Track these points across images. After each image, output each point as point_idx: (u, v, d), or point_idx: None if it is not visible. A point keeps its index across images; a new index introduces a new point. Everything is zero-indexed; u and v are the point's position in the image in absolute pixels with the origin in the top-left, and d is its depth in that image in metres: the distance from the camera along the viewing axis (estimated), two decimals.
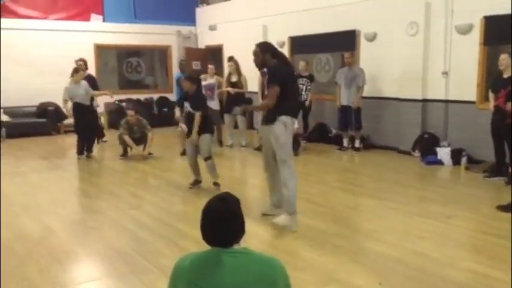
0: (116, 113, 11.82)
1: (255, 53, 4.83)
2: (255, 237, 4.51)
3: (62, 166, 8.46)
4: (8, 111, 11.31)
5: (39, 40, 11.94)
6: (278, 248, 4.33)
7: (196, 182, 6.55)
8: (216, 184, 6.42)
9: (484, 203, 5.70)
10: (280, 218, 4.86)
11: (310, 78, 9.41)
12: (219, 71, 12.33)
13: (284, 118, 4.69)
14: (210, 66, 9.75)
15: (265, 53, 4.79)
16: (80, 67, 9.18)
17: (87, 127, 8.56)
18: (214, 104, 9.47)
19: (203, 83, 9.48)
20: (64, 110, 8.47)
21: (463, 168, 7.40)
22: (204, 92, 9.47)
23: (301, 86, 9.22)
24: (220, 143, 9.69)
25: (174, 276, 2.00)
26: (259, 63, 4.84)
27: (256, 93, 9.75)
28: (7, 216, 5.29)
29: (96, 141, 8.84)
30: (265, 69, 4.92)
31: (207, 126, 6.55)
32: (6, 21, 11.55)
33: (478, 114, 7.63)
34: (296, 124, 8.66)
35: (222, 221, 1.93)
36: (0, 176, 7.03)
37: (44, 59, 11.86)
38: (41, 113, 11.60)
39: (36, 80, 11.69)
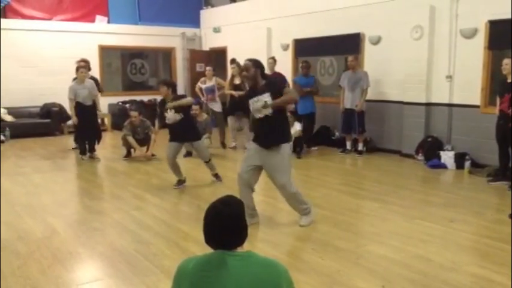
0: (120, 115, 11.84)
1: (248, 67, 4.71)
2: (258, 240, 4.51)
3: (65, 167, 8.48)
4: (12, 111, 11.35)
5: (43, 41, 11.99)
6: (281, 251, 4.33)
7: (180, 182, 6.61)
8: (216, 176, 6.83)
9: (487, 207, 5.68)
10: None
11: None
12: (222, 73, 12.37)
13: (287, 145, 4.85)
14: (208, 68, 9.72)
15: (257, 68, 4.74)
16: (80, 65, 9.20)
17: (87, 127, 8.57)
18: (217, 107, 9.47)
19: (203, 86, 9.49)
20: (69, 110, 8.50)
21: (467, 172, 7.38)
22: (205, 95, 9.51)
23: None
24: (223, 145, 9.69)
25: (177, 278, 1.99)
26: (252, 77, 4.75)
27: None
28: (10, 216, 5.31)
29: (97, 142, 8.84)
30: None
31: (197, 132, 6.72)
32: (12, 22, 11.61)
33: (482, 119, 7.62)
34: (299, 126, 8.76)
35: (226, 224, 1.93)
36: (0, 177, 7.07)
37: (49, 60, 11.91)
38: (45, 114, 11.63)
39: (40, 81, 11.74)
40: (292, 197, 4.89)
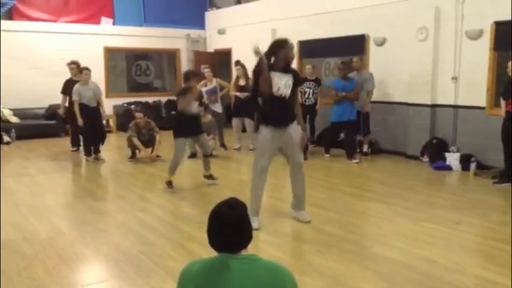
0: (125, 116, 11.87)
1: (292, 47, 4.93)
2: (262, 241, 4.50)
3: (70, 168, 8.51)
4: (18, 112, 11.40)
5: (49, 42, 12.03)
6: (285, 253, 4.33)
7: (172, 183, 6.60)
8: (210, 177, 6.76)
9: (492, 209, 5.67)
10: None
11: (317, 81, 9.39)
12: (227, 75, 12.38)
13: None
14: (206, 70, 9.70)
15: None
16: (72, 71, 9.26)
17: (92, 128, 8.60)
18: (217, 107, 9.47)
19: (204, 88, 9.48)
20: (75, 111, 8.53)
21: (472, 174, 7.35)
22: (206, 97, 9.51)
23: (307, 89, 9.22)
24: (224, 146, 9.68)
25: (182, 281, 1.99)
26: (292, 58, 5.01)
27: None
28: (15, 217, 5.33)
29: (101, 143, 8.85)
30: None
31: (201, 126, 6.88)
32: (17, 24, 11.67)
33: (487, 120, 7.59)
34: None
35: (230, 227, 1.92)
36: (0, 177, 7.12)
37: (54, 62, 11.91)
38: (50, 115, 11.66)
39: (45, 82, 11.74)
40: (304, 178, 5.08)
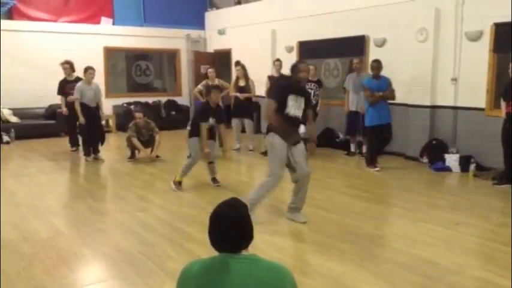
0: (124, 116, 11.86)
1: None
2: (262, 242, 4.50)
3: (69, 168, 8.50)
4: (17, 112, 11.39)
5: (49, 42, 12.02)
6: (285, 253, 4.33)
7: (180, 184, 6.65)
8: (215, 180, 6.79)
9: (492, 211, 5.67)
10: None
11: (319, 83, 9.39)
12: (227, 75, 12.38)
13: None
14: (210, 70, 9.70)
15: None
16: (66, 71, 9.26)
17: (91, 128, 8.60)
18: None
19: None
20: (77, 109, 8.53)
21: (471, 175, 7.35)
22: None
23: (309, 90, 9.21)
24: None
25: (181, 281, 1.99)
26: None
27: (263, 97, 9.76)
28: (15, 217, 5.33)
29: (100, 144, 8.84)
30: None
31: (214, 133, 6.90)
32: (17, 23, 11.66)
33: (487, 121, 7.60)
34: (303, 129, 8.73)
35: (231, 227, 1.93)
36: (0, 177, 7.12)
37: (54, 61, 11.86)
38: (50, 115, 11.65)
39: (45, 82, 11.72)
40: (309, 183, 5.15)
